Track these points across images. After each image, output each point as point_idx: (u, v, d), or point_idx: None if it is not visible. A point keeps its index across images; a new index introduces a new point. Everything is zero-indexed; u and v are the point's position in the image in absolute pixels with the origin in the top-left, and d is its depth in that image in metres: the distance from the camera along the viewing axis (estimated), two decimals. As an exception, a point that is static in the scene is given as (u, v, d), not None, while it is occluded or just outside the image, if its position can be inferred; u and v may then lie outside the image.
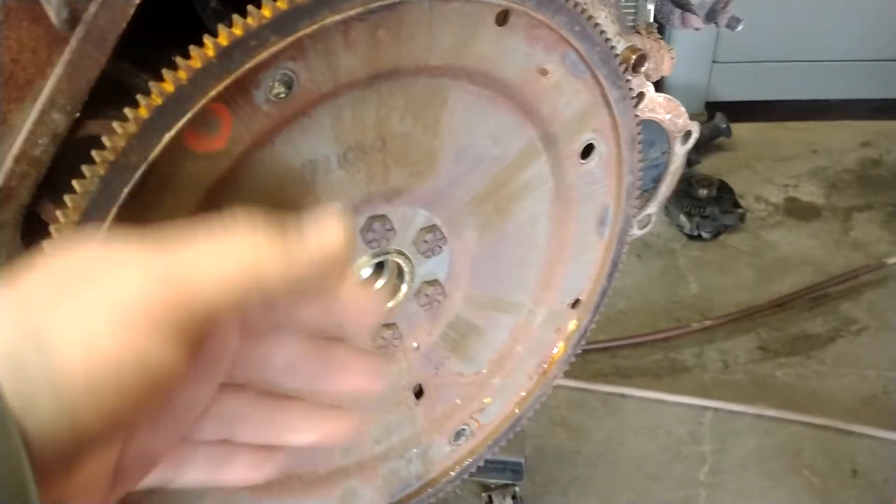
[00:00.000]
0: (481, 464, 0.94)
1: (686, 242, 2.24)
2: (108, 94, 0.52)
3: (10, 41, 0.50)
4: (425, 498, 0.90)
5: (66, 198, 0.50)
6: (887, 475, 1.63)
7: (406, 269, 0.73)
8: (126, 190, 0.51)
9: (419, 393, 0.84)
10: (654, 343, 1.91)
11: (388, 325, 0.75)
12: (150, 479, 0.42)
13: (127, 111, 0.50)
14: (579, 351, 0.95)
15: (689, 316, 2.00)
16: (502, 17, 0.64)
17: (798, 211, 2.36)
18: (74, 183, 0.50)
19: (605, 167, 0.81)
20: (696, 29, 0.86)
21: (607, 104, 0.76)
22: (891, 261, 2.11)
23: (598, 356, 1.87)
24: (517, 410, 0.93)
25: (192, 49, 0.50)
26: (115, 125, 0.50)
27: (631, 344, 1.90)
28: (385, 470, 0.85)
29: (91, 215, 0.50)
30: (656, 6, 0.87)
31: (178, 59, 0.50)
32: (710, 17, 0.82)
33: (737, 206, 2.26)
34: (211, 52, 0.50)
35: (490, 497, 1.53)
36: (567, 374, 0.97)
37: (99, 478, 0.37)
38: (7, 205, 0.52)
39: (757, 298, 2.02)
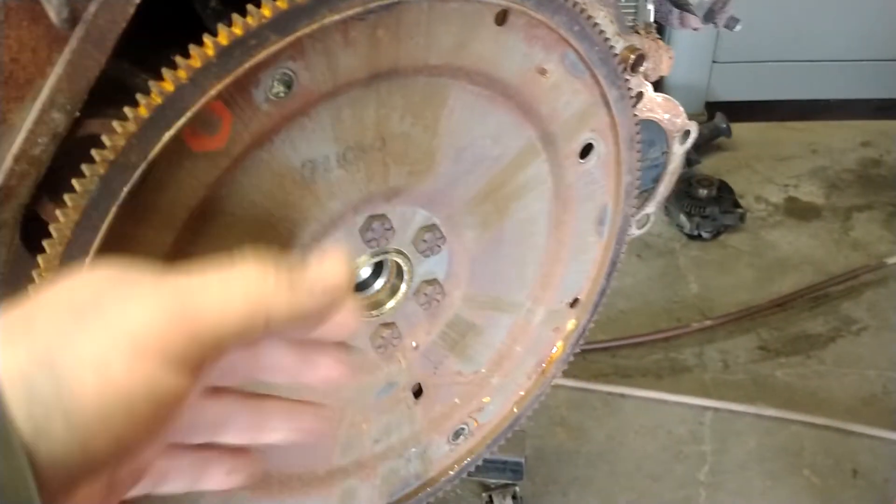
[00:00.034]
0: (480, 463, 0.94)
1: (686, 242, 2.24)
2: (108, 94, 0.52)
3: (10, 40, 0.50)
4: (424, 497, 0.90)
5: (66, 197, 0.50)
6: (888, 475, 1.63)
7: (405, 268, 0.73)
8: (126, 189, 0.51)
9: (418, 392, 0.84)
10: (655, 343, 1.91)
11: (387, 325, 0.75)
12: (136, 489, 0.43)
13: (127, 110, 0.50)
14: (578, 350, 0.95)
15: (689, 316, 2.00)
16: (501, 17, 0.64)
17: (798, 211, 2.37)
18: (74, 182, 0.50)
19: (604, 167, 0.81)
20: (695, 29, 0.86)
21: (606, 104, 0.76)
22: (891, 260, 2.11)
23: (599, 356, 1.87)
24: (516, 410, 0.93)
25: (192, 48, 0.50)
26: (115, 124, 0.50)
27: (631, 344, 1.90)
28: (384, 469, 0.85)
29: (91, 214, 0.50)
30: (655, 6, 0.87)
31: (178, 59, 0.50)
32: (709, 17, 0.82)
33: (737, 205, 2.26)
34: (211, 52, 0.50)
35: (490, 497, 1.53)
36: (567, 374, 0.97)
37: (94, 493, 0.38)
38: (7, 204, 0.53)
39: (757, 298, 2.02)
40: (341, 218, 0.66)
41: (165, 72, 0.50)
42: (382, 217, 0.68)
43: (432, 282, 0.76)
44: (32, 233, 0.55)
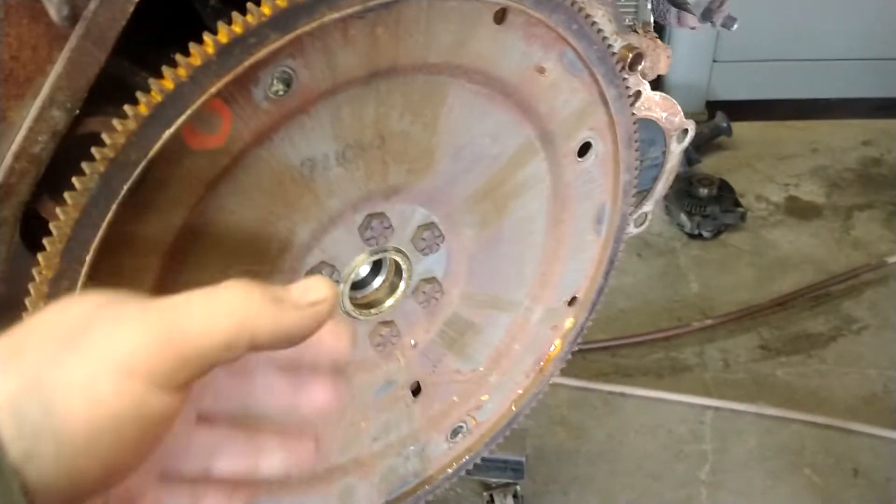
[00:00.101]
0: (478, 461, 0.94)
1: (687, 241, 2.24)
2: (108, 92, 0.53)
3: (11, 38, 0.50)
4: (422, 495, 0.90)
5: (66, 195, 0.50)
6: (889, 474, 1.63)
7: (404, 266, 0.73)
8: (126, 187, 0.51)
9: (417, 390, 0.84)
10: (655, 342, 1.91)
11: (385, 323, 0.76)
12: None
13: (127, 108, 0.50)
14: (576, 349, 0.95)
15: (690, 315, 2.00)
16: (500, 16, 0.64)
17: (799, 210, 2.37)
18: (74, 180, 0.50)
19: (602, 165, 0.81)
20: (692, 28, 0.86)
21: (604, 102, 0.76)
22: (892, 259, 2.11)
23: (599, 355, 1.87)
24: (514, 408, 0.93)
25: (192, 46, 0.50)
26: (115, 122, 0.50)
27: (632, 343, 1.90)
28: (383, 467, 0.85)
29: (91, 212, 0.51)
30: (653, 4, 0.87)
31: (178, 57, 0.50)
32: (706, 15, 0.82)
33: (737, 205, 2.26)
34: (211, 50, 0.50)
35: (491, 496, 1.53)
36: (568, 374, 0.97)
37: None
38: (7, 202, 0.53)
39: (758, 297, 2.02)
40: (340, 216, 0.66)
41: (165, 70, 0.50)
42: (381, 215, 0.68)
43: (431, 280, 0.76)
44: (32, 231, 0.56)
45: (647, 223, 0.96)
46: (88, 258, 0.52)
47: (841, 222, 2.31)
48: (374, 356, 0.77)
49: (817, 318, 2.00)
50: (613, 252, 0.90)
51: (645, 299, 2.05)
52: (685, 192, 2.23)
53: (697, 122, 0.94)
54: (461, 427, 0.90)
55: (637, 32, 0.79)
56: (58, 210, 0.51)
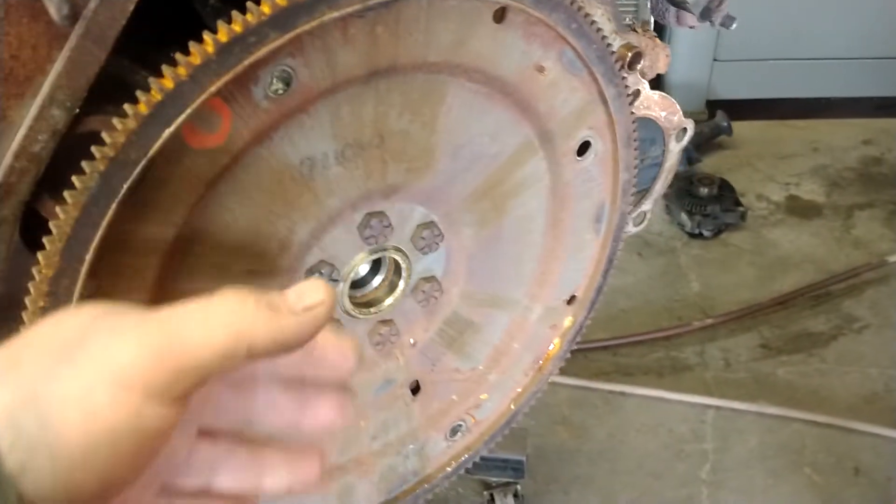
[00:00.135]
0: (477, 460, 0.94)
1: (687, 241, 2.24)
2: (107, 91, 0.53)
3: (10, 37, 0.50)
4: (421, 493, 0.90)
5: (66, 193, 0.50)
6: (890, 473, 1.63)
7: (403, 265, 0.73)
8: (126, 186, 0.51)
9: (416, 389, 0.84)
10: (656, 341, 1.91)
11: (385, 322, 0.76)
12: None
13: (126, 107, 0.50)
14: (575, 347, 0.95)
15: (690, 314, 2.00)
16: (500, 14, 0.64)
17: (799, 209, 2.36)
18: (74, 179, 0.50)
19: (601, 164, 0.81)
20: (692, 27, 0.86)
21: (604, 101, 0.76)
22: (892, 259, 2.10)
23: (600, 354, 1.87)
24: (513, 406, 0.93)
25: (192, 45, 0.51)
26: (115, 121, 0.50)
27: (632, 342, 1.90)
28: (382, 466, 0.86)
29: (91, 211, 0.51)
30: (652, 3, 0.87)
31: (178, 56, 0.50)
32: (705, 15, 0.82)
33: (738, 204, 2.25)
34: (210, 49, 0.50)
35: (492, 495, 1.53)
36: (568, 373, 0.97)
37: None
38: (6, 201, 0.53)
39: (759, 296, 2.02)
40: (340, 215, 0.66)
41: (165, 69, 0.50)
42: (381, 214, 0.69)
43: (430, 279, 0.76)
44: (32, 229, 0.56)
45: (646, 222, 0.96)
46: (88, 257, 0.52)
47: (841, 221, 2.31)
48: (374, 355, 0.77)
49: (818, 318, 2.00)
50: (612, 251, 0.90)
51: (646, 298, 2.05)
52: (686, 192, 2.23)
53: (698, 122, 0.94)
54: (460, 426, 0.90)
55: (636, 31, 0.79)
56: (58, 209, 0.51)
